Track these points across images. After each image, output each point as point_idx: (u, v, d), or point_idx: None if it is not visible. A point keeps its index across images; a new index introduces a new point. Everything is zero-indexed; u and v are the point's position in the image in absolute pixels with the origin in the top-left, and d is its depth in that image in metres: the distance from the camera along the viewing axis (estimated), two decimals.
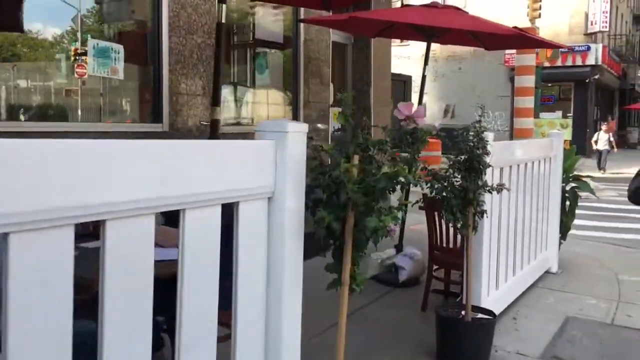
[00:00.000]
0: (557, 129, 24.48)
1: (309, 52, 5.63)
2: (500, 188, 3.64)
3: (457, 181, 3.67)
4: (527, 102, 14.47)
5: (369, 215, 2.20)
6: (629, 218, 10.55)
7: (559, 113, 24.36)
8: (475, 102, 25.69)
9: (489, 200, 4.00)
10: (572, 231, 7.69)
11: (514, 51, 25.06)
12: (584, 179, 6.32)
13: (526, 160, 5.03)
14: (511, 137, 16.47)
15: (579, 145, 23.38)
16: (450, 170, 3.67)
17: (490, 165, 3.78)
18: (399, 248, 5.50)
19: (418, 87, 23.62)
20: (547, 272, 5.96)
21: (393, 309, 4.78)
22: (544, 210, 5.71)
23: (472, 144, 3.65)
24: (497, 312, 4.43)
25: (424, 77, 6.02)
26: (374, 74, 7.00)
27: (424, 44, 25.95)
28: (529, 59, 14.12)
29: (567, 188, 6.27)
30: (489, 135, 3.92)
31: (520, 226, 4.99)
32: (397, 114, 3.97)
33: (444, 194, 3.50)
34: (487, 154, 3.70)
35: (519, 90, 14.64)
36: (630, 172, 19.64)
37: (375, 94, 7.02)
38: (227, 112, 4.78)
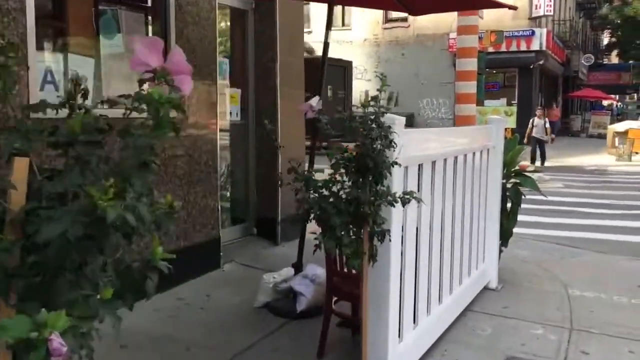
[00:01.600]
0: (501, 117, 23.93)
1: (184, 14, 4.30)
2: (407, 198, 2.46)
3: (346, 189, 2.47)
4: (470, 87, 13.53)
5: None
6: (574, 213, 9.71)
7: (504, 100, 23.76)
8: (419, 90, 24.85)
9: (399, 212, 2.84)
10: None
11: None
12: (528, 173, 5.26)
13: (456, 152, 3.91)
14: (454, 126, 15.61)
15: (523, 134, 22.86)
16: (337, 173, 2.48)
17: (396, 164, 2.61)
18: (297, 267, 4.29)
19: (361, 73, 22.31)
20: (486, 287, 4.90)
21: (283, 354, 3.56)
22: (480, 214, 4.62)
23: (365, 132, 2.45)
24: (416, 357, 3.29)
25: (325, 45, 4.80)
26: (281, 47, 5.74)
27: (366, 27, 24.61)
28: (471, 40, 13.16)
29: (508, 185, 5.21)
30: (396, 120, 2.74)
31: (449, 239, 3.86)
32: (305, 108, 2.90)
33: (321, 209, 2.29)
34: (390, 147, 2.52)
35: (461, 74, 13.68)
36: (574, 160, 19.18)
37: (283, 72, 5.76)
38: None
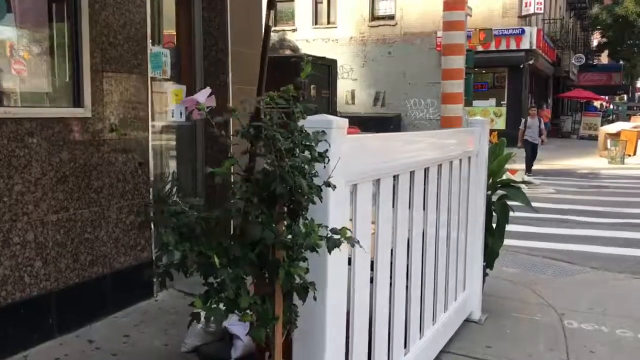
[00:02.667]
0: (490, 118, 23.23)
1: None
2: (336, 241, 1.69)
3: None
4: (456, 86, 12.77)
5: None
6: (568, 222, 9.00)
7: (493, 101, 23.13)
8: (406, 90, 24.14)
9: (339, 250, 2.06)
10: None
11: None
12: (517, 184, 4.51)
13: (429, 162, 3.16)
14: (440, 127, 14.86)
15: (513, 135, 22.22)
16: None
17: (329, 185, 1.84)
18: None
19: (347, 73, 21.57)
20: (468, 320, 4.15)
21: None
22: (461, 234, 3.87)
23: (280, 142, 1.69)
24: None
25: (266, 30, 3.99)
26: (234, 37, 4.96)
27: (352, 25, 23.60)
28: (458, 36, 12.40)
29: (494, 198, 4.47)
30: (333, 123, 1.99)
31: (418, 271, 3.10)
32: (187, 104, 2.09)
33: (200, 255, 1.52)
34: (317, 160, 1.76)
35: (447, 73, 12.92)
36: (565, 163, 18.53)
37: (237, 66, 4.98)
38: None
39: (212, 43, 5.02)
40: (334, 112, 22.00)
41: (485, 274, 4.49)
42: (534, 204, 10.70)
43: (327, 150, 1.91)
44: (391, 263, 2.73)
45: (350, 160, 2.14)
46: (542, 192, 11.64)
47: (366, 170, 2.36)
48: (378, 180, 2.54)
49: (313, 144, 1.80)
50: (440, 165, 3.36)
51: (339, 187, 2.00)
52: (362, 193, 2.36)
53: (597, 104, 40.65)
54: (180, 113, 4.88)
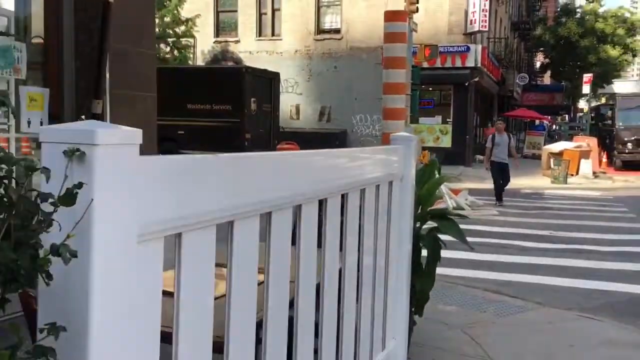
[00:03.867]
0: (437, 135, 22.94)
1: None
2: None
3: None
4: (398, 101, 12.13)
5: None
6: (511, 248, 8.41)
7: (439, 118, 22.83)
8: (352, 105, 23.57)
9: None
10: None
11: None
12: (450, 214, 3.76)
13: (327, 191, 2.34)
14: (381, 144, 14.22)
15: (459, 154, 21.97)
16: None
17: (59, 249, 0.95)
18: None
19: (292, 87, 20.68)
20: None
21: None
22: (378, 279, 3.06)
23: None
24: None
25: (105, 7, 3.19)
26: (118, 33, 4.04)
27: (297, 38, 22.70)
28: (400, 49, 11.79)
29: (424, 231, 3.71)
30: (85, 133, 1.11)
31: (307, 340, 2.25)
32: None
33: None
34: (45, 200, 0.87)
35: (388, 87, 12.28)
36: (510, 182, 18.26)
37: (119, 68, 4.06)
38: None
39: (87, 39, 4.09)
40: (276, 127, 21.17)
41: (413, 323, 3.71)
42: (476, 228, 10.07)
43: (80, 184, 1.06)
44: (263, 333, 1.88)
45: (156, 197, 1.30)
46: (485, 214, 11.10)
47: (199, 210, 1.51)
48: (231, 223, 1.70)
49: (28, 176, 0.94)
50: (345, 196, 2.56)
51: (118, 243, 1.15)
52: (195, 246, 1.51)
53: (545, 123, 41.38)
54: (41, 122, 3.92)
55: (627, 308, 5.72)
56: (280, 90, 24.45)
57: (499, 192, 12.56)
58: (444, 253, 8.09)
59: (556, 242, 8.77)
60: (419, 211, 3.68)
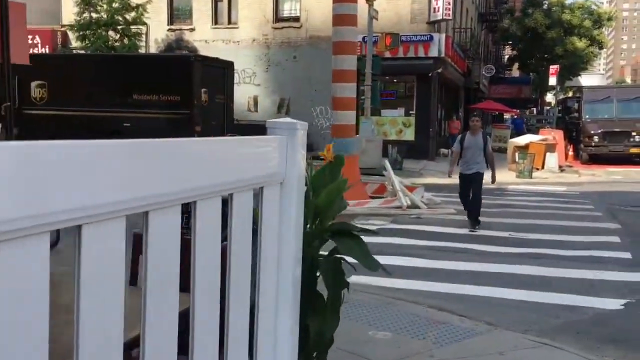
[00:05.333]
0: (399, 128, 22.12)
1: None
2: None
3: None
4: (347, 90, 11.20)
5: None
6: (467, 252, 7.53)
7: (402, 110, 21.99)
8: (312, 97, 22.55)
9: None
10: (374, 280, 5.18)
11: None
12: (356, 230, 2.79)
13: (152, 202, 1.37)
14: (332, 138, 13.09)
15: (422, 147, 21.17)
16: None
17: None
18: None
19: (249, 77, 19.39)
20: None
21: None
22: (237, 325, 2.08)
23: None
24: None
25: None
26: None
27: (255, 26, 21.32)
28: (349, 33, 10.85)
29: (323, 255, 2.74)
30: None
31: None
32: None
33: None
34: None
35: (337, 75, 11.31)
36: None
37: None
38: None
39: None
40: (230, 120, 20.00)
41: None
42: (430, 229, 9.14)
43: None
44: None
45: None
46: (441, 213, 10.24)
47: None
48: None
49: None
50: (188, 205, 1.59)
51: None
52: None
53: (507, 116, 40.97)
54: None
55: (592, 329, 4.88)
56: (237, 81, 23.31)
57: (473, 214, 8.90)
58: (385, 260, 7.14)
59: (516, 245, 7.94)
60: (313, 227, 2.71)
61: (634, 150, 21.56)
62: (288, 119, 2.53)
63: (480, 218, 9.76)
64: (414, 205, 10.42)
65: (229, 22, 23.48)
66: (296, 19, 22.66)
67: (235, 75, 23.29)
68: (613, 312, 5.25)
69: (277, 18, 22.91)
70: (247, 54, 23.12)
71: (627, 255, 7.29)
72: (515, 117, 37.63)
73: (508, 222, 9.52)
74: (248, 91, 23.27)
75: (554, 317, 5.16)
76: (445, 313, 5.16)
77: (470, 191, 9.00)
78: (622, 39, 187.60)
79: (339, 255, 2.73)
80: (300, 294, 2.57)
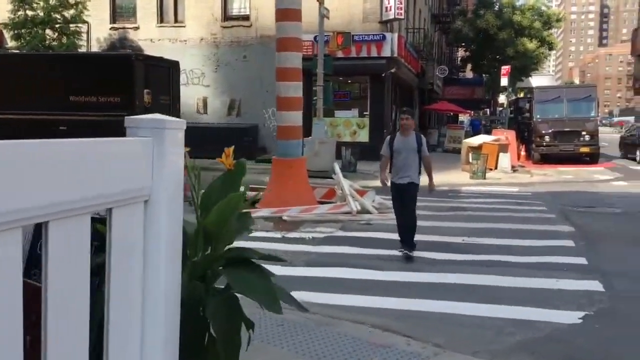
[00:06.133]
0: (353, 129, 21.69)
1: None
2: None
3: None
4: (293, 89, 10.59)
5: None
6: (416, 261, 7.03)
7: (356, 111, 21.56)
8: (264, 98, 21.86)
9: None
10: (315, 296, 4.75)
11: (304, 37, 21.66)
12: (257, 258, 2.19)
13: None
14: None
15: (377, 148, 20.74)
16: None
17: None
18: None
19: (198, 78, 18.39)
20: None
21: None
22: None
23: None
24: None
25: None
26: None
27: (203, 25, 20.29)
28: (294, 28, 10.29)
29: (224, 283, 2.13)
30: None
31: None
32: None
33: None
34: None
35: (281, 73, 10.70)
36: (426, 179, 17.14)
37: None
38: None
39: None
40: None
41: None
42: (379, 236, 8.53)
43: None
44: None
45: None
46: (393, 218, 9.73)
47: None
48: None
49: None
50: None
51: None
52: None
53: (463, 117, 41.23)
54: None
55: (549, 347, 4.43)
56: (185, 82, 22.47)
57: (407, 233, 7.23)
58: (330, 272, 6.51)
59: (470, 251, 7.51)
60: (207, 253, 2.10)
61: (583, 149, 21.74)
62: (158, 115, 1.92)
63: (432, 223, 9.32)
64: (364, 210, 9.92)
65: (176, 21, 22.59)
66: (246, 18, 21.96)
67: (183, 75, 22.48)
68: (571, 328, 4.82)
69: (226, 16, 22.15)
70: (195, 54, 22.29)
71: (582, 260, 6.94)
72: (472, 118, 37.85)
73: (461, 227, 9.11)
74: (197, 92, 22.43)
75: (508, 334, 4.70)
76: (390, 334, 4.64)
77: (402, 205, 7.36)
78: (571, 41, 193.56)
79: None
80: (186, 345, 1.97)
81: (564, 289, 5.83)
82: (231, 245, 2.16)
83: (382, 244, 7.93)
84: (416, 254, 7.30)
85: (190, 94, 22.30)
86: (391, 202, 11.04)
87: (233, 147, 2.36)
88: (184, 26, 22.41)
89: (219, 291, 2.14)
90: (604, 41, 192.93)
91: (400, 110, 7.66)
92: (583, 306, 5.32)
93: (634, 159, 22.29)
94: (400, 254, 7.16)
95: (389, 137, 7.70)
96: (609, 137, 35.56)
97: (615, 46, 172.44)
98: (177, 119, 1.94)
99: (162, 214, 1.82)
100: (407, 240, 7.21)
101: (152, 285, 1.81)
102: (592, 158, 21.86)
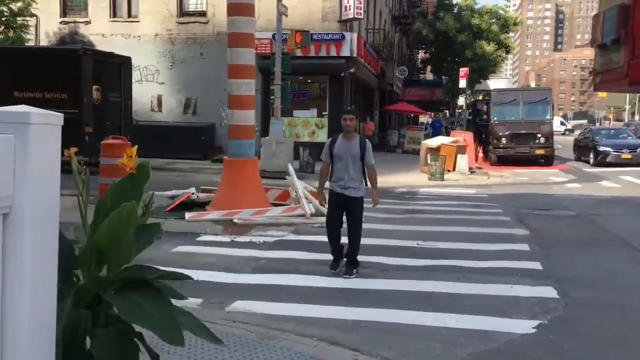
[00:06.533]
0: (312, 130, 21.41)
1: None
2: None
3: None
4: (245, 86, 10.18)
5: None
6: (371, 267, 6.77)
7: (314, 111, 21.28)
8: (221, 97, 21.33)
9: None
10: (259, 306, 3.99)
11: (262, 36, 21.24)
12: (160, 278, 1.86)
13: None
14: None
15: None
16: None
17: None
18: None
19: (152, 75, 17.66)
20: None
21: None
22: None
23: None
24: None
25: None
26: None
27: (157, 20, 19.52)
28: (246, 24, 9.87)
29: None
30: None
31: None
32: None
33: None
34: None
35: (233, 69, 10.26)
36: (386, 180, 16.96)
37: None
38: None
39: None
40: (128, 120, 18.49)
41: None
42: (319, 239, 8.07)
43: None
44: None
45: None
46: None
47: None
48: None
49: None
50: None
51: None
52: None
53: (423, 119, 41.49)
54: None
55: None
56: (139, 79, 21.80)
57: (337, 252, 6.48)
58: (278, 279, 6.16)
59: (424, 256, 7.29)
60: (97, 276, 1.75)
61: (539, 151, 22.02)
62: (22, 107, 1.56)
63: (387, 226, 9.11)
64: (318, 213, 9.61)
65: (129, 16, 21.86)
66: (202, 14, 21.41)
67: (137, 72, 21.79)
68: (524, 339, 4.62)
69: (182, 12, 21.56)
70: (150, 50, 21.62)
71: (537, 265, 6.81)
72: (434, 119, 38.01)
73: (416, 230, 8.91)
74: (151, 90, 21.77)
75: (461, 346, 4.46)
76: (337, 348, 4.35)
77: (342, 220, 6.34)
78: (527, 45, 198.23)
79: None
80: None
81: (519, 296, 5.65)
82: (129, 264, 1.81)
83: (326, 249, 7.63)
84: (369, 259, 7.03)
85: (145, 91, 21.63)
86: None
87: (137, 146, 2.01)
88: (137, 21, 21.70)
89: (114, 319, 1.79)
90: (559, 46, 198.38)
91: (344, 110, 6.56)
92: (537, 315, 5.15)
93: (588, 162, 22.69)
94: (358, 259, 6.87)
95: (329, 139, 6.56)
96: (562, 139, 36.29)
97: (570, 51, 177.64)
98: (49, 112, 1.58)
99: (27, 230, 1.47)
100: (351, 263, 6.27)
101: (13, 317, 1.46)
102: (547, 160, 22.16)
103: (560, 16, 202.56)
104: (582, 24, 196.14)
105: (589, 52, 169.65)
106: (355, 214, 6.32)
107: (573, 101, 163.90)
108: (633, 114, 78.93)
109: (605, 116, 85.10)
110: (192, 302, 5.13)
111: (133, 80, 20.67)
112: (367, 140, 6.49)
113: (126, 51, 19.05)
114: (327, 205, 6.61)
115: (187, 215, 9.08)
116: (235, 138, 9.57)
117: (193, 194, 9.94)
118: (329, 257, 7.23)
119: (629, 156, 21.36)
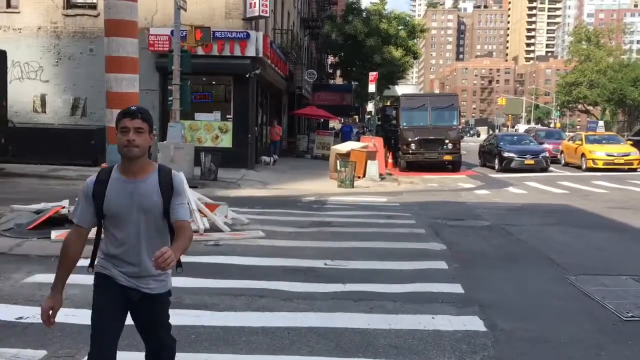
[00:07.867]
0: (215, 134, 20.09)
1: None
2: None
3: None
4: (126, 82, 8.86)
5: None
6: (269, 295, 5.69)
7: (218, 114, 19.95)
8: None
9: None
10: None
11: (160, 32, 19.72)
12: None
13: None
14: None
15: (241, 155, 19.30)
16: None
17: None
18: None
19: (35, 72, 14.97)
20: None
21: None
22: None
23: None
24: None
25: None
26: None
27: (41, 12, 16.96)
28: (127, 10, 8.60)
29: None
30: None
31: None
32: None
33: None
34: None
35: (112, 62, 8.86)
36: (294, 187, 16.06)
37: None
38: None
39: None
40: (3, 122, 16.36)
41: None
42: (229, 261, 6.99)
43: None
44: None
45: None
46: (247, 237, 8.37)
47: None
48: None
49: None
50: None
51: None
52: None
53: (332, 123, 41.02)
54: None
55: None
56: (19, 76, 19.58)
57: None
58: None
59: (333, 279, 6.34)
60: None
61: (447, 157, 21.97)
62: None
63: (292, 242, 8.11)
64: (214, 228, 8.46)
65: (8, 6, 19.53)
66: (92, 6, 19.50)
67: (17, 69, 19.53)
68: None
69: (69, 4, 19.52)
70: (32, 45, 19.42)
71: (458, 288, 6.04)
72: (343, 124, 37.51)
73: (323, 246, 7.96)
74: (34, 88, 19.57)
75: None
76: None
77: (118, 331, 2.97)
78: (432, 54, 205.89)
79: None
80: None
81: (441, 330, 4.81)
82: None
83: (229, 273, 6.53)
84: (269, 285, 5.99)
85: (26, 90, 19.41)
86: (249, 216, 9.69)
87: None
88: (18, 12, 19.42)
89: None
90: (461, 56, 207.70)
91: (122, 111, 2.83)
92: (465, 355, 4.32)
93: (493, 167, 22.93)
94: (255, 286, 5.79)
95: (93, 177, 2.96)
96: (466, 145, 37.09)
97: (471, 61, 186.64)
98: None
99: None
100: None
101: None
102: (455, 166, 22.16)
103: (462, 27, 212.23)
104: (481, 35, 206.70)
105: (488, 62, 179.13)
106: (157, 314, 3.08)
107: (474, 108, 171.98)
108: (529, 121, 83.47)
109: (504, 123, 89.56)
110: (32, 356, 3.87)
111: (11, 78, 18.51)
112: (174, 172, 3.17)
113: (5, 45, 16.89)
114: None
115: (54, 234, 7.61)
116: (114, 142, 8.19)
117: (64, 207, 8.42)
118: (222, 283, 6.13)
119: (531, 162, 21.77)
